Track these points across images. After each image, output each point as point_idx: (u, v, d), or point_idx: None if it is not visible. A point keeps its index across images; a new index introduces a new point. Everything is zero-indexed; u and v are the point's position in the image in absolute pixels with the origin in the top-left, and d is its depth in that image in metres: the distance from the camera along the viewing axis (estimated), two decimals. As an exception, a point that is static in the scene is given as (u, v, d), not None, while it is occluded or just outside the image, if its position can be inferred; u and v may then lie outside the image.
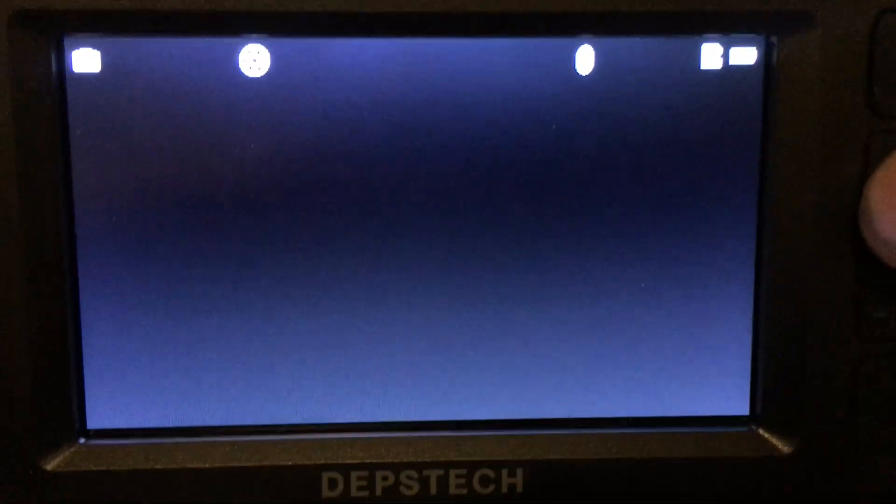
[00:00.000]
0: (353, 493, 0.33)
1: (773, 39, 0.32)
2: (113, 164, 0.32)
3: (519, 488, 0.33)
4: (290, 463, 0.33)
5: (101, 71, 0.32)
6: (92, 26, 0.31)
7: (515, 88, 0.32)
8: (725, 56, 0.33)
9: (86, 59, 0.32)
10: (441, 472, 0.33)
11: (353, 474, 0.33)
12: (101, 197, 0.33)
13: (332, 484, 0.33)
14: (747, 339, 0.34)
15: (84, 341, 0.33)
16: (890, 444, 0.33)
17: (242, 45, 0.32)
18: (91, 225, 0.33)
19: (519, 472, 0.33)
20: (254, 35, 0.32)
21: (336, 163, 0.33)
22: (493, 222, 0.33)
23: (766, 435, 0.34)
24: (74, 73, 0.32)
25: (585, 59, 0.32)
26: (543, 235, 0.33)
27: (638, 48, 0.32)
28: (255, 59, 0.32)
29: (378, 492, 0.33)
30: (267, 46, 0.32)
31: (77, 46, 0.32)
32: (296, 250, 0.33)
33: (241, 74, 0.32)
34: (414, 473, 0.33)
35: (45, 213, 0.32)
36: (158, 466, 0.33)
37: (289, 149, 0.32)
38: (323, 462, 0.33)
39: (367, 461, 0.33)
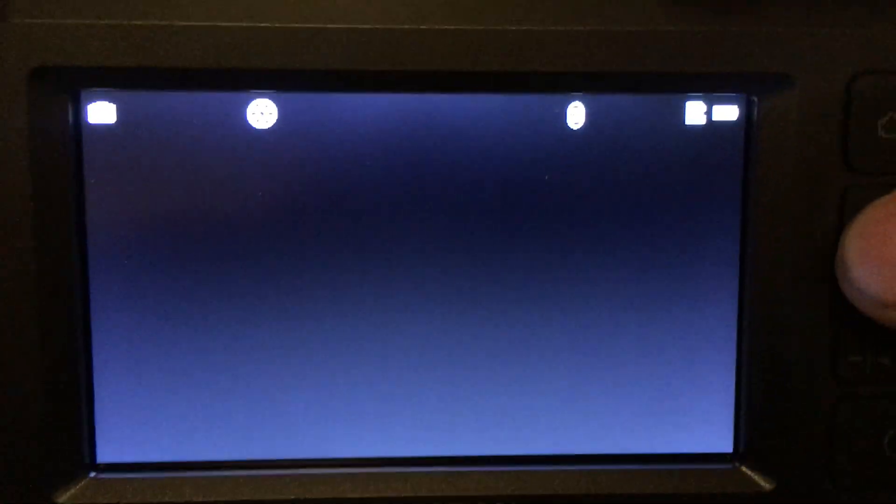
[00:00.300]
0: None
1: (754, 98, 0.34)
2: (126, 210, 0.34)
3: (507, 521, 0.35)
4: (291, 497, 0.34)
5: (116, 122, 0.33)
6: (108, 81, 0.33)
7: (510, 142, 0.34)
8: (709, 113, 0.34)
9: (101, 112, 0.33)
10: None
11: None
12: (113, 241, 0.34)
13: None
14: (731, 378, 0.35)
15: (95, 376, 0.34)
16: (867, 483, 0.34)
17: (251, 99, 0.34)
18: (103, 268, 0.34)
19: None
20: (261, 90, 0.34)
21: (338, 211, 0.34)
22: (488, 268, 0.35)
23: (749, 472, 0.35)
24: (90, 125, 0.33)
25: (577, 114, 0.34)
26: (535, 279, 0.35)
27: (626, 104, 0.34)
28: (262, 111, 0.34)
29: None
30: (274, 101, 0.34)
31: (93, 100, 0.33)
32: (300, 294, 0.34)
33: (249, 126, 0.34)
34: None
35: (60, 256, 0.33)
36: (167, 500, 0.34)
37: (294, 197, 0.34)
38: (323, 496, 0.34)
39: (365, 496, 0.34)
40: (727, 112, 0.34)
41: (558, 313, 0.35)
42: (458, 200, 0.34)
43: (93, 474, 0.35)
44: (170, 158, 0.34)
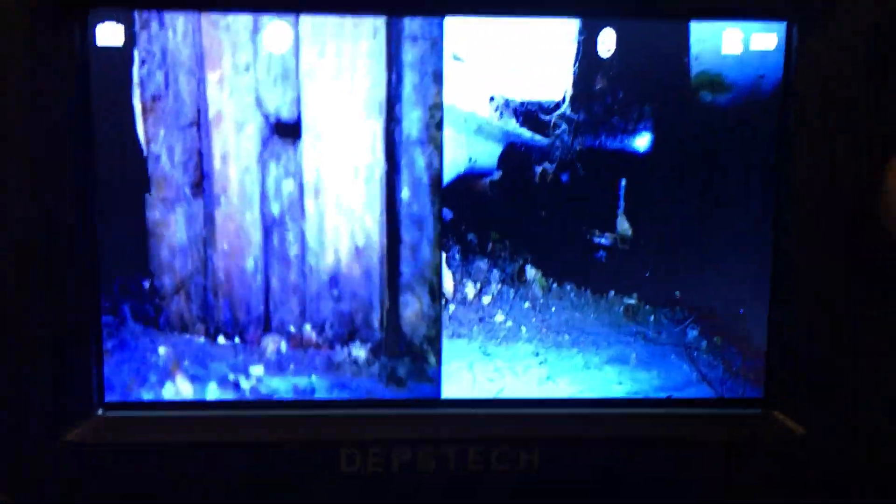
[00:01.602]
0: (370, 468, 0.34)
1: (794, 25, 0.32)
2: (133, 138, 0.32)
3: (535, 466, 0.34)
4: (307, 438, 0.33)
5: (124, 44, 0.32)
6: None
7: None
8: (746, 41, 0.33)
9: (109, 33, 0.32)
10: (459, 448, 0.34)
11: (371, 450, 0.33)
12: (121, 171, 0.33)
13: (350, 459, 0.33)
14: (763, 323, 0.34)
15: (104, 315, 0.34)
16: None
17: (266, 22, 0.32)
18: (111, 201, 0.33)
19: (536, 450, 0.34)
20: (278, 12, 0.32)
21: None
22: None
23: (781, 417, 0.34)
24: (98, 48, 0.32)
25: (607, 41, 0.33)
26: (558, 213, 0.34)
27: (660, 31, 0.33)
28: (278, 34, 0.32)
29: (395, 468, 0.34)
30: (290, 24, 0.32)
31: (101, 20, 0.32)
32: None
33: (263, 49, 0.32)
34: (431, 450, 0.34)
35: (67, 190, 0.32)
36: (176, 438, 0.33)
37: None
38: (341, 438, 0.33)
39: (385, 437, 0.34)
40: (766, 40, 0.33)
41: (583, 250, 0.34)
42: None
43: (101, 412, 0.34)
44: (179, 82, 0.32)
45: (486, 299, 0.34)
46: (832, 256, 0.33)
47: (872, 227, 0.32)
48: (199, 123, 0.33)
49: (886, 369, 0.33)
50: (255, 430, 0.34)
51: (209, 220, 0.33)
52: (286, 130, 0.33)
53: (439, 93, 0.33)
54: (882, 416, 0.34)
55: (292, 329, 0.34)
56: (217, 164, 0.33)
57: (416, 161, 0.33)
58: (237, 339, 0.34)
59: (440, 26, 0.32)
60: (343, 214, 0.34)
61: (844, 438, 0.34)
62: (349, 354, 0.34)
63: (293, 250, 0.34)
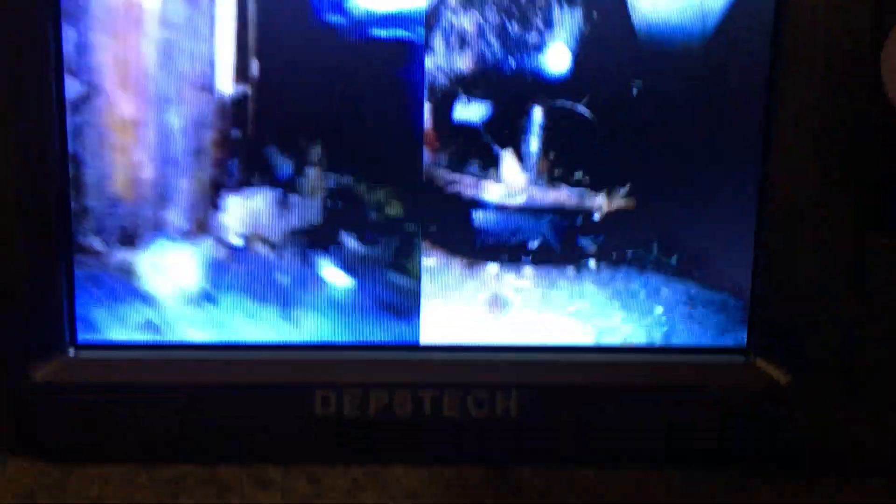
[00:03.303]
0: (346, 411, 0.33)
1: None
2: (106, 70, 0.32)
3: (513, 412, 0.33)
4: (281, 380, 0.33)
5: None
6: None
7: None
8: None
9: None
10: (435, 393, 0.33)
11: (347, 393, 0.33)
12: (92, 105, 0.32)
13: (325, 402, 0.33)
14: (747, 270, 0.34)
15: (75, 254, 0.33)
16: (887, 377, 0.33)
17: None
18: (83, 137, 0.32)
19: (513, 395, 0.33)
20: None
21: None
22: None
23: (764, 365, 0.34)
24: None
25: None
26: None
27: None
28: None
29: (371, 411, 0.33)
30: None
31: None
32: None
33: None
34: (407, 394, 0.33)
35: (37, 126, 0.31)
36: (148, 379, 0.33)
37: None
38: (316, 380, 0.33)
39: (361, 380, 0.33)
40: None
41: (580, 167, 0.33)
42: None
43: (72, 352, 0.33)
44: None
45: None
46: (818, 203, 0.32)
47: (859, 172, 0.32)
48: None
49: (872, 317, 0.33)
50: (228, 371, 0.33)
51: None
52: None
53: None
54: (869, 365, 0.33)
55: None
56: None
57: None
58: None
59: None
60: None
61: (830, 387, 0.33)
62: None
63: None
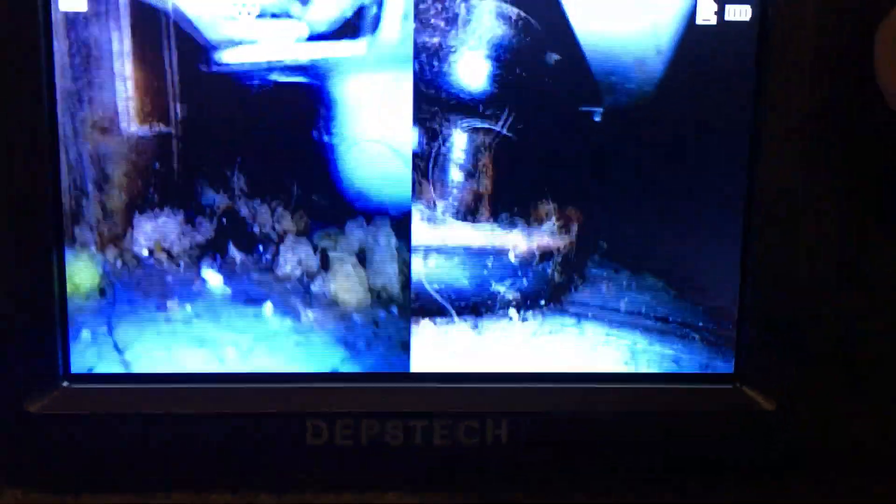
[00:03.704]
0: (338, 441, 0.33)
1: None
2: (98, 103, 0.32)
3: (503, 440, 0.34)
4: (273, 410, 0.33)
5: (88, 10, 0.31)
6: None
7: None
8: (720, 12, 0.32)
9: (72, -1, 0.31)
10: (426, 422, 0.33)
11: (339, 422, 0.33)
12: (85, 136, 0.32)
13: (317, 431, 0.33)
14: (734, 297, 0.34)
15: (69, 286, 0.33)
16: (872, 404, 0.33)
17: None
18: (76, 171, 0.32)
19: (504, 423, 0.33)
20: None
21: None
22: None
23: (750, 392, 0.34)
24: (61, 13, 0.31)
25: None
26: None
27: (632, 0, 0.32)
28: (247, 6, 0.32)
29: (363, 440, 0.33)
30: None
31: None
32: None
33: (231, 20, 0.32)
34: (399, 423, 0.33)
35: (31, 163, 0.31)
36: (141, 410, 0.33)
37: None
38: (307, 410, 0.33)
39: (353, 410, 0.33)
40: (740, 11, 0.32)
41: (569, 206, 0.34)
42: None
43: (66, 384, 0.33)
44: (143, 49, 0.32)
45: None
46: (805, 228, 0.33)
47: (845, 194, 0.32)
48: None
49: (859, 344, 0.33)
50: (221, 402, 0.33)
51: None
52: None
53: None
54: (854, 393, 0.33)
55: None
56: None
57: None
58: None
59: None
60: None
61: (816, 414, 0.34)
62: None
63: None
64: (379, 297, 0.34)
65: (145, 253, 0.33)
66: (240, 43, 0.32)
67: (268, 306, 0.34)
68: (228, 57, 0.32)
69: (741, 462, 0.34)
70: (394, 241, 0.34)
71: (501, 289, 0.34)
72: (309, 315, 0.34)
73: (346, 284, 0.34)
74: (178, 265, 0.33)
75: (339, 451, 0.33)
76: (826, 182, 0.32)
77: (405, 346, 0.34)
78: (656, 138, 0.33)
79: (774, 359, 0.34)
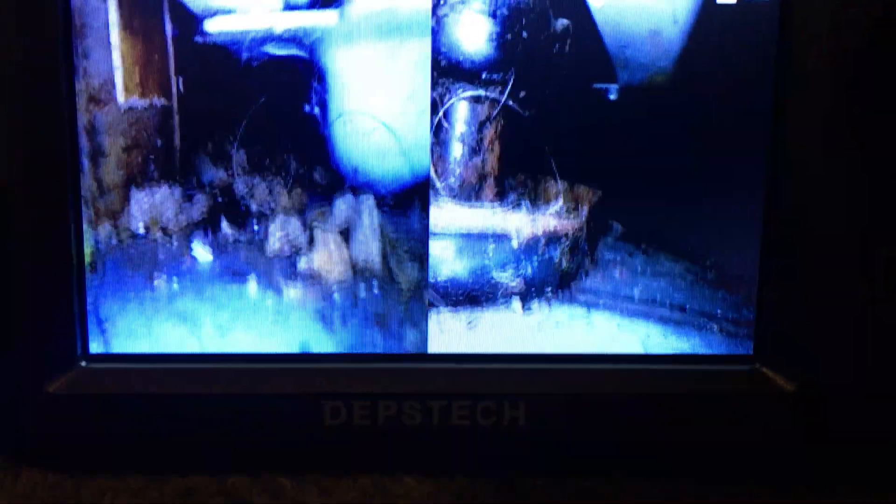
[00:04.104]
0: (356, 421, 0.33)
1: None
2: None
3: (521, 421, 0.33)
4: (291, 391, 0.33)
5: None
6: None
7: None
8: (741, -9, 0.32)
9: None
10: (444, 402, 0.33)
11: (356, 403, 0.33)
12: (105, 122, 0.32)
13: (335, 412, 0.33)
14: (754, 278, 0.34)
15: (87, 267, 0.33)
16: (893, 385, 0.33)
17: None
18: (95, 148, 0.32)
19: (521, 405, 0.33)
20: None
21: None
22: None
23: (770, 373, 0.34)
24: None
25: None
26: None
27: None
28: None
29: (380, 421, 0.33)
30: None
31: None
32: None
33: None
34: (417, 404, 0.33)
35: (49, 141, 0.32)
36: (159, 391, 0.33)
37: None
38: (325, 391, 0.33)
39: (370, 391, 0.33)
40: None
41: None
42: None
43: (84, 364, 0.33)
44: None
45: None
46: (825, 209, 0.32)
47: (867, 177, 0.32)
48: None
49: (880, 324, 0.33)
50: (239, 382, 0.33)
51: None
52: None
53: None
54: (876, 372, 0.33)
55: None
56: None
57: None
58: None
59: None
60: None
61: (834, 395, 0.33)
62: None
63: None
64: (368, 273, 0.34)
65: (141, 229, 0.33)
66: (221, 12, 0.32)
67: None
68: (213, 26, 0.32)
69: (760, 445, 0.34)
70: (377, 219, 0.33)
71: (503, 277, 0.34)
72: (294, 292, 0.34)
73: (331, 259, 0.33)
74: (171, 241, 0.33)
75: (356, 431, 0.33)
76: (848, 163, 0.32)
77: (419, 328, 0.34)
78: (674, 117, 0.33)
79: (794, 339, 0.33)
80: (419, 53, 0.32)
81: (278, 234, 0.33)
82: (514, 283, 0.34)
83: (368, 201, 0.33)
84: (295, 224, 0.33)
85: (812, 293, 0.33)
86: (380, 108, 0.33)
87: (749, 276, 0.34)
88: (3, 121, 0.31)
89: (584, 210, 0.34)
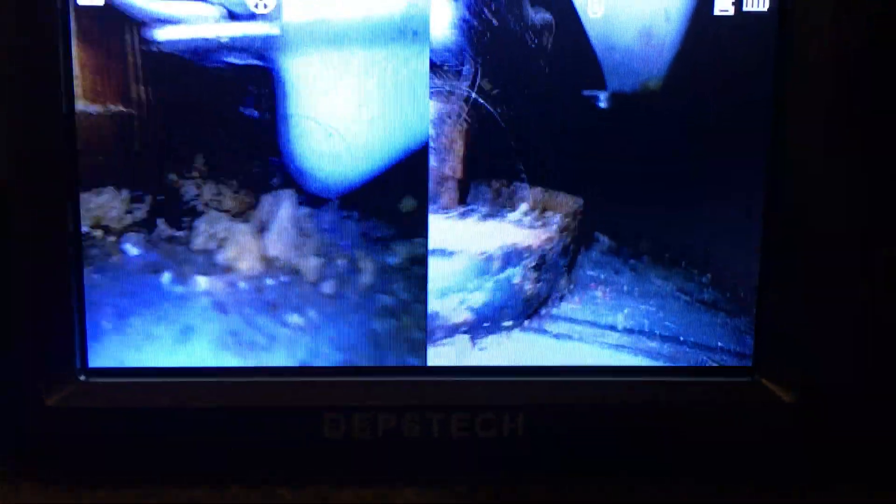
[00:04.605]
0: (355, 434, 0.33)
1: None
2: (115, 98, 0.32)
3: (520, 432, 0.33)
4: (290, 404, 0.33)
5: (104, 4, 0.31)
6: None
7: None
8: (738, 2, 0.32)
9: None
10: (443, 415, 0.33)
11: (356, 416, 0.33)
12: (102, 135, 0.32)
13: (334, 425, 0.33)
14: (753, 289, 0.34)
15: (86, 280, 0.33)
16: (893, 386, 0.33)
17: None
18: (93, 166, 0.32)
19: (520, 416, 0.33)
20: None
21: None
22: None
23: (769, 385, 0.34)
24: (79, 6, 0.31)
25: (596, 4, 0.32)
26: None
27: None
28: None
29: (380, 433, 0.33)
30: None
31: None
32: None
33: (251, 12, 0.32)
34: (416, 416, 0.33)
35: (47, 156, 0.32)
36: (159, 405, 0.33)
37: None
38: (324, 404, 0.33)
39: (370, 403, 0.33)
40: (758, 1, 0.32)
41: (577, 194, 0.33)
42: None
43: (83, 378, 0.33)
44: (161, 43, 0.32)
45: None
46: (824, 218, 0.32)
47: (866, 183, 0.32)
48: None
49: (881, 334, 0.33)
50: (238, 395, 0.33)
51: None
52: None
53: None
54: (876, 383, 0.33)
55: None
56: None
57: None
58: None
59: None
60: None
61: (833, 406, 0.33)
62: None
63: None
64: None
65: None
66: (170, 21, 0.32)
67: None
68: (162, 35, 0.32)
69: (761, 456, 0.34)
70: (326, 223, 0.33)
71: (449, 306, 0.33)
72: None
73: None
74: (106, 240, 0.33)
75: (356, 444, 0.33)
76: (847, 169, 0.32)
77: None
78: (670, 118, 0.33)
79: (794, 350, 0.33)
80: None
81: (206, 232, 0.33)
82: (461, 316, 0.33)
83: (316, 205, 0.33)
84: (240, 226, 0.33)
85: (812, 294, 0.33)
86: (330, 113, 0.32)
87: (749, 287, 0.34)
88: (3, 121, 0.31)
89: (558, 219, 0.33)
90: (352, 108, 0.32)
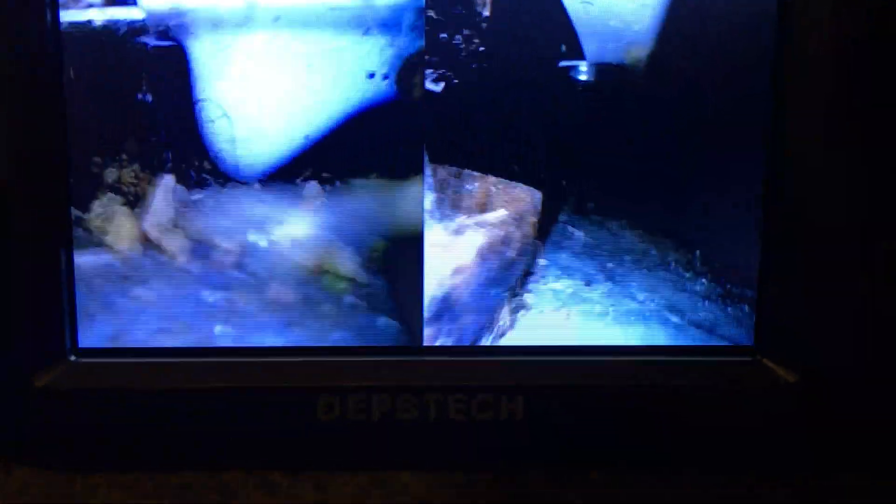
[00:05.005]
0: (350, 415, 0.33)
1: None
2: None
3: (519, 415, 0.33)
4: (284, 385, 0.33)
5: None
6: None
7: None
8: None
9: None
10: (440, 396, 0.33)
11: (351, 397, 0.33)
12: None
13: (328, 406, 0.33)
14: (754, 269, 0.33)
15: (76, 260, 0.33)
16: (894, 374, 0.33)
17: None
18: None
19: (519, 398, 0.33)
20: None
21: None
22: None
23: (771, 365, 0.33)
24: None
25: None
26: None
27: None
28: None
29: (375, 415, 0.33)
30: None
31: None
32: None
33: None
34: (412, 398, 0.33)
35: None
36: (149, 386, 0.33)
37: None
38: (318, 385, 0.33)
39: (364, 384, 0.33)
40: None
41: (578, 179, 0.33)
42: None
43: (73, 358, 0.33)
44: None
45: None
46: (825, 199, 0.32)
47: (868, 168, 0.31)
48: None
49: (882, 314, 0.32)
50: (231, 376, 0.33)
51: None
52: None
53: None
54: (878, 363, 0.33)
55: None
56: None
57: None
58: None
59: None
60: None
61: (835, 386, 0.33)
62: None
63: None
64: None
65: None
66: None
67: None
68: (78, 15, 0.31)
69: (764, 443, 0.34)
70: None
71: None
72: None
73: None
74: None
75: (351, 426, 0.33)
76: (849, 152, 0.31)
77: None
78: (668, 109, 0.32)
79: (796, 330, 0.33)
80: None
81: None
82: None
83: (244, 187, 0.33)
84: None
85: (812, 285, 0.32)
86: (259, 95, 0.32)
87: (750, 266, 0.33)
88: (3, 121, 0.31)
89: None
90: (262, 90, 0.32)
